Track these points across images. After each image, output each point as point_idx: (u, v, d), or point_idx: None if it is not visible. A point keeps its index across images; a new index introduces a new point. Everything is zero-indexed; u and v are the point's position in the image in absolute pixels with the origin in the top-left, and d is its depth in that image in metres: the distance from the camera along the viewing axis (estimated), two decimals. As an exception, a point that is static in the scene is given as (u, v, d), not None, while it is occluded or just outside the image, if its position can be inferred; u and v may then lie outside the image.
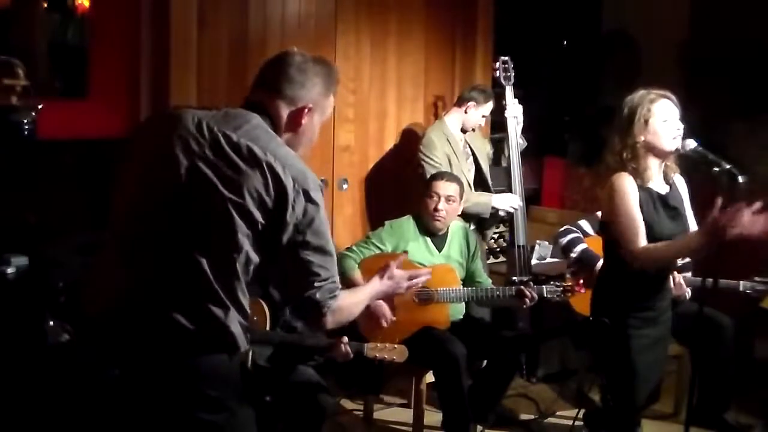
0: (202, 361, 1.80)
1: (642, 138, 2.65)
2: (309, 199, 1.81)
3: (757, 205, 2.43)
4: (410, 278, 2.23)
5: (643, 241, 2.62)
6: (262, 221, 1.78)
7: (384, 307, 3.34)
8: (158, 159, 1.84)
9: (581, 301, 3.68)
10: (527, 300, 3.51)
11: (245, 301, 1.84)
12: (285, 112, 1.92)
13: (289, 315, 2.99)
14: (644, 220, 2.65)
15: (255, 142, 1.81)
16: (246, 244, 1.78)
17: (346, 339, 3.06)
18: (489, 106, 4.23)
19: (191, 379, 1.80)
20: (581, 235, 3.87)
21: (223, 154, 1.79)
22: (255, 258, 1.81)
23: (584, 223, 3.94)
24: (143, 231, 1.83)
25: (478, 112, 4.19)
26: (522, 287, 3.53)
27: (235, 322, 1.82)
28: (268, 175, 1.78)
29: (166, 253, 1.80)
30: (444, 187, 3.64)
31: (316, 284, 1.85)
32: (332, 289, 1.88)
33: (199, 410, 1.81)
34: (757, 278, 3.62)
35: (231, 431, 1.87)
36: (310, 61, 1.95)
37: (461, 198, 3.72)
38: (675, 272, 3.37)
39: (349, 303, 1.98)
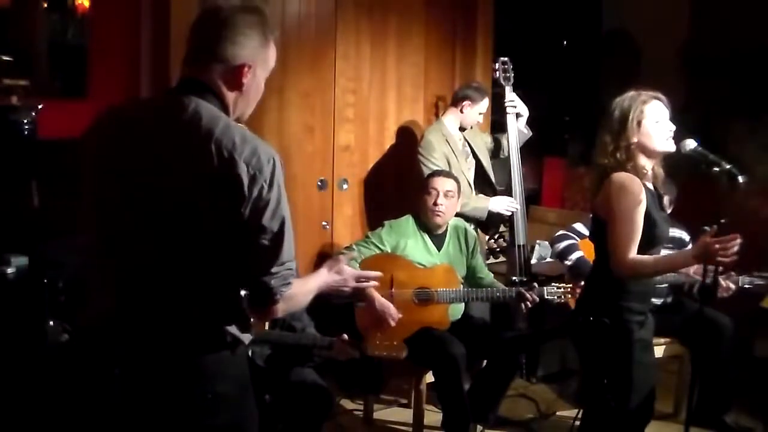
0: (204, 360, 1.77)
1: (635, 139, 2.63)
2: (264, 180, 1.68)
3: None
4: (359, 279, 2.09)
5: (634, 252, 2.59)
6: (227, 216, 1.69)
7: (391, 308, 3.41)
8: (114, 167, 1.77)
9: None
10: (528, 303, 3.52)
11: (238, 297, 1.79)
12: (225, 78, 1.77)
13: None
14: (652, 219, 2.62)
15: (198, 133, 1.68)
16: (217, 242, 1.72)
17: (345, 337, 3.06)
18: (485, 103, 4.24)
19: (195, 378, 1.77)
20: (576, 241, 3.86)
21: (172, 155, 1.71)
22: (228, 252, 1.73)
23: (579, 226, 3.93)
24: (117, 243, 1.78)
25: (475, 110, 4.20)
26: (522, 290, 3.53)
27: (229, 322, 1.79)
28: (219, 168, 1.66)
29: (143, 264, 1.76)
30: (442, 183, 3.65)
31: (272, 270, 1.72)
32: (287, 276, 1.75)
33: (202, 410, 1.78)
34: (756, 272, 3.62)
35: (238, 428, 1.86)
36: (237, 12, 1.76)
37: (459, 195, 3.73)
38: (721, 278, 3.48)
39: (299, 292, 1.84)
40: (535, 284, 3.62)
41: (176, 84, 1.81)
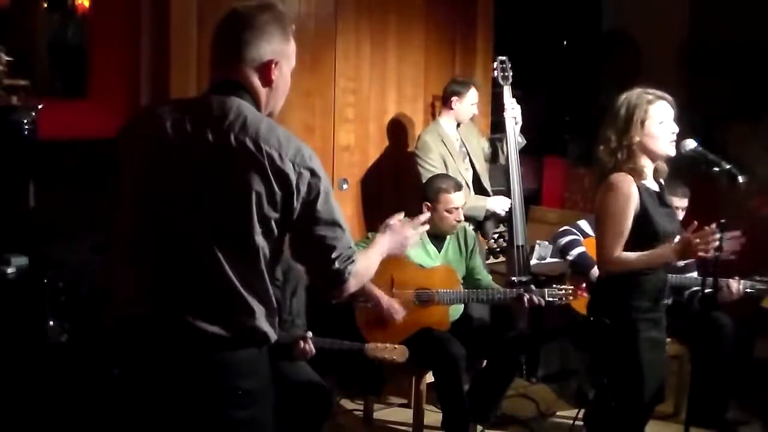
0: (232, 357, 1.79)
1: (638, 139, 2.63)
2: (311, 175, 1.78)
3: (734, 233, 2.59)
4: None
5: (620, 250, 2.61)
6: (272, 214, 1.75)
7: (397, 306, 3.42)
8: (156, 166, 1.80)
9: (581, 302, 3.68)
10: (527, 303, 3.50)
11: (271, 295, 1.83)
12: (255, 76, 1.85)
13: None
14: (648, 217, 2.61)
15: (245, 133, 1.75)
16: (261, 241, 1.76)
17: (310, 334, 3.03)
18: (473, 93, 4.23)
19: (223, 376, 1.79)
20: (580, 237, 3.86)
21: (219, 154, 1.75)
22: (270, 251, 1.80)
23: (583, 224, 3.93)
24: (156, 242, 1.80)
25: (465, 103, 4.20)
26: (522, 293, 3.52)
27: (263, 320, 1.81)
28: (267, 166, 1.73)
29: (183, 260, 1.78)
30: (459, 199, 3.63)
31: (333, 256, 1.82)
32: (349, 255, 1.86)
33: (231, 405, 1.80)
34: (757, 277, 3.62)
35: (259, 425, 1.87)
36: (257, 12, 1.84)
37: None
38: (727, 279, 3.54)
39: (365, 265, 1.94)
40: (533, 286, 3.59)
41: (211, 85, 1.87)
